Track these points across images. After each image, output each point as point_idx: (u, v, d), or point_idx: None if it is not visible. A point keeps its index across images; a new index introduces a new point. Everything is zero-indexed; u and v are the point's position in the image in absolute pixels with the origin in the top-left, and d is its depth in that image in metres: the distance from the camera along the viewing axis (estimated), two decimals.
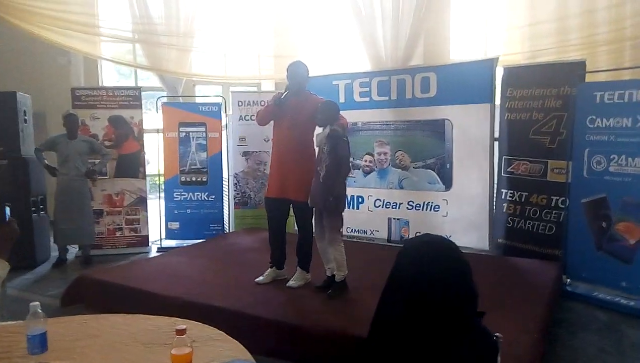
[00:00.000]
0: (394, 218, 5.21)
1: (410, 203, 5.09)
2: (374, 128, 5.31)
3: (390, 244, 5.14)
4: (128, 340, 1.71)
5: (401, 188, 5.16)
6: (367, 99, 5.28)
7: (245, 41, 6.97)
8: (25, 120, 5.20)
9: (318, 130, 3.51)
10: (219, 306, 3.19)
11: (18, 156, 5.01)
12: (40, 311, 1.49)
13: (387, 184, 5.24)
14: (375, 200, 5.30)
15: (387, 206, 5.24)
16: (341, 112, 3.63)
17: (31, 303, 1.51)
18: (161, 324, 1.83)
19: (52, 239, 5.41)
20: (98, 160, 5.30)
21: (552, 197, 4.41)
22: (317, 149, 3.48)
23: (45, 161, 5.03)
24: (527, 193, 4.59)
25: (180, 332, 1.38)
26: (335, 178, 3.30)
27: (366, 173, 5.36)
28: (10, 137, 4.99)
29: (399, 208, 5.17)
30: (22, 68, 6.65)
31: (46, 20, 5.92)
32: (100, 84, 7.37)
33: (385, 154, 5.25)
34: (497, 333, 1.31)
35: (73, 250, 5.48)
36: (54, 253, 5.51)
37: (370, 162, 5.34)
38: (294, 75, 3.52)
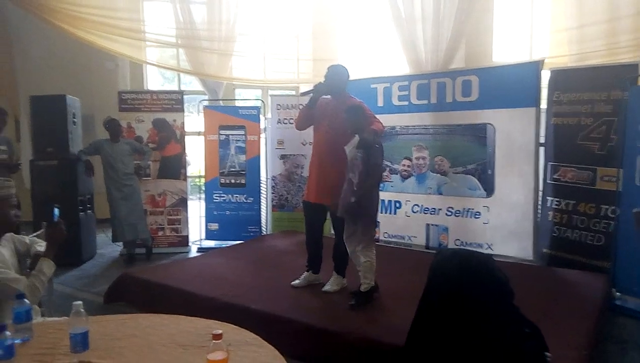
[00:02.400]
0: (432, 225, 5.11)
1: (450, 209, 4.98)
2: (413, 132, 5.23)
3: (428, 251, 5.04)
4: (166, 341, 1.73)
5: (440, 193, 5.05)
6: (406, 103, 5.21)
7: (284, 45, 7.04)
8: (74, 123, 5.42)
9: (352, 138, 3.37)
10: (255, 309, 3.21)
11: (67, 157, 5.22)
12: (82, 310, 1.54)
13: (425, 189, 5.15)
14: (413, 206, 5.22)
15: (426, 212, 5.14)
16: (378, 116, 3.59)
17: (74, 303, 1.55)
18: (198, 326, 1.85)
19: (100, 238, 5.62)
20: (141, 160, 5.49)
21: (601, 206, 4.21)
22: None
23: (87, 158, 5.22)
24: (574, 202, 4.40)
25: (217, 337, 1.38)
26: (365, 185, 3.25)
27: (404, 178, 5.29)
28: (60, 139, 5.22)
29: (437, 214, 5.06)
30: (71, 72, 6.93)
31: (95, 26, 6.17)
32: (145, 88, 7.60)
33: (423, 158, 5.16)
34: (547, 353, 1.24)
35: (117, 248, 5.67)
36: (100, 250, 5.74)
37: (408, 166, 5.26)
38: (330, 77, 3.51)
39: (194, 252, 5.77)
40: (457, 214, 4.94)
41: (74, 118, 5.42)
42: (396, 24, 5.74)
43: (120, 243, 5.55)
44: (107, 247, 5.80)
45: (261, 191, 6.12)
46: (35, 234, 2.69)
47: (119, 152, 5.20)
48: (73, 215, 5.08)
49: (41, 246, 2.40)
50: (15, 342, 1.50)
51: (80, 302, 1.55)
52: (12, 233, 2.36)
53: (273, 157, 6.04)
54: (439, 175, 5.06)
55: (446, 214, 5.01)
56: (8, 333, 1.43)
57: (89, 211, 5.51)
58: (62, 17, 6.09)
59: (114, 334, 1.78)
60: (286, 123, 5.88)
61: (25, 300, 1.71)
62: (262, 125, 6.06)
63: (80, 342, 1.53)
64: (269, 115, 6.14)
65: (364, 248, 3.32)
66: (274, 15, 7.01)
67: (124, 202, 5.21)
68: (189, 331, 1.81)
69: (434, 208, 5.10)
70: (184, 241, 5.92)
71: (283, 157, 6.00)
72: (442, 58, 5.57)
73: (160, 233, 5.85)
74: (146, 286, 3.82)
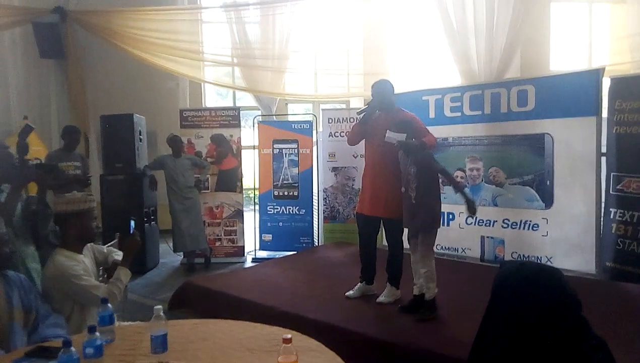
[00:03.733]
0: (487, 237, 5.02)
1: (506, 221, 4.88)
2: (466, 143, 5.18)
3: (483, 264, 4.95)
4: (235, 345, 1.84)
5: (495, 205, 4.96)
6: (459, 114, 5.18)
7: (335, 60, 7.17)
8: (141, 139, 5.77)
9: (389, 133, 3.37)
10: (312, 318, 3.28)
11: (133, 172, 5.56)
12: (162, 314, 1.67)
13: (479, 201, 5.07)
14: (467, 217, 5.15)
15: (480, 224, 5.06)
16: (429, 127, 3.62)
17: (155, 307, 1.69)
18: (264, 332, 1.96)
19: (166, 247, 5.92)
20: (200, 174, 5.76)
21: None
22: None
23: (151, 172, 5.52)
24: (639, 214, 4.20)
25: (287, 341, 1.46)
26: (430, 197, 3.32)
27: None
28: (128, 155, 5.57)
29: (493, 226, 4.97)
30: (136, 91, 7.37)
31: (158, 48, 6.57)
32: (203, 105, 7.95)
33: (477, 169, 5.09)
34: None
35: (178, 258, 5.94)
36: (163, 259, 6.03)
37: (461, 178, 5.20)
38: (378, 94, 3.58)
39: (249, 262, 5.95)
40: (513, 226, 4.83)
41: (140, 135, 5.77)
42: (448, 37, 5.71)
43: (181, 253, 5.81)
44: (168, 256, 6.09)
45: (313, 203, 6.24)
46: (110, 244, 2.92)
47: (180, 167, 5.49)
48: (139, 227, 5.38)
49: (118, 255, 2.60)
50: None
51: (160, 307, 1.69)
52: (92, 243, 2.58)
53: (325, 170, 6.15)
54: (493, 186, 4.98)
55: (502, 226, 4.91)
56: (98, 334, 1.57)
57: (152, 222, 5.82)
58: (127, 40, 6.55)
59: (187, 337, 1.92)
60: (337, 136, 5.99)
61: (109, 304, 1.87)
62: (314, 139, 6.20)
63: (161, 344, 1.66)
64: (320, 129, 6.28)
65: (423, 257, 3.34)
66: (325, 31, 7.17)
67: (185, 214, 5.48)
68: (255, 336, 1.92)
69: (489, 220, 5.01)
70: (240, 251, 6.12)
71: (334, 169, 6.10)
72: (495, 69, 5.49)
73: (217, 243, 6.08)
74: (207, 294, 3.99)
